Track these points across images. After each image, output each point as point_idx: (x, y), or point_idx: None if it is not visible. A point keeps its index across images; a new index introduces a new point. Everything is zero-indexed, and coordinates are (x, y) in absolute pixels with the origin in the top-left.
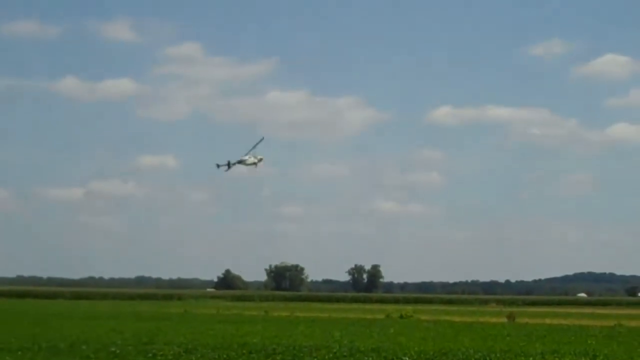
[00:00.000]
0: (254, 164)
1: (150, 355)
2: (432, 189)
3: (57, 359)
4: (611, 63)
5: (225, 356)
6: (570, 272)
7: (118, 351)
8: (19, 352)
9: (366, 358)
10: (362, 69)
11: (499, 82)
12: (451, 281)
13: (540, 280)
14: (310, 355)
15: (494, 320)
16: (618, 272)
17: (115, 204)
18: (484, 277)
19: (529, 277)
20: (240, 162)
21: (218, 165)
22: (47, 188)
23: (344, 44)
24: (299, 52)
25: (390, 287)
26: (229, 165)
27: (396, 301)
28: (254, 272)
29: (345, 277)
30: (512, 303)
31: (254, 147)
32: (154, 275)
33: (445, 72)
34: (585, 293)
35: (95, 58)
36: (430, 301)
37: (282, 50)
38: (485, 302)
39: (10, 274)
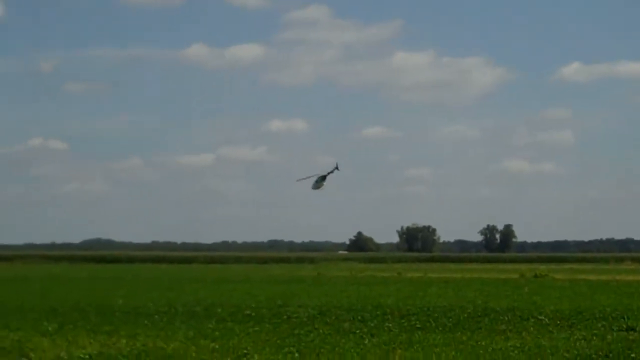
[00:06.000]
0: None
1: (284, 317)
2: (563, 146)
3: (194, 322)
4: None
5: (359, 317)
6: None
7: (253, 314)
8: (156, 316)
9: (501, 318)
10: (488, 28)
11: (631, 35)
12: (585, 239)
13: None
14: (444, 315)
15: (630, 278)
16: None
17: (246, 168)
18: (619, 235)
19: None
20: (321, 180)
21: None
22: (179, 155)
23: (470, 3)
24: (425, 12)
25: (523, 246)
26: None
27: (529, 261)
28: (385, 234)
29: (477, 238)
30: None
31: (329, 173)
32: (286, 239)
33: (574, 27)
34: None
35: (223, 24)
36: (564, 260)
37: (408, 11)
38: (621, 260)
39: (146, 239)
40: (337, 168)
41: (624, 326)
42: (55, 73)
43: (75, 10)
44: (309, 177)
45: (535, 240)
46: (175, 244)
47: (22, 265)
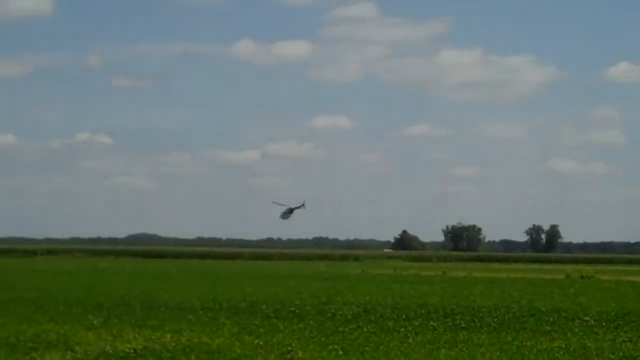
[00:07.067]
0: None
1: (329, 314)
2: (611, 147)
3: (238, 318)
4: None
5: (404, 316)
6: None
7: (297, 311)
8: (201, 312)
9: (546, 318)
10: (537, 26)
11: None
12: (632, 241)
13: None
14: (489, 315)
15: None
16: None
17: (292, 165)
18: None
19: None
20: (289, 212)
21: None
22: (225, 151)
23: (519, 1)
24: (472, 10)
25: (569, 247)
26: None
27: (575, 261)
28: (430, 233)
29: (523, 238)
30: None
31: (297, 208)
32: (331, 236)
33: (623, 27)
34: None
35: (270, 20)
36: (610, 261)
37: (456, 9)
38: None
39: (191, 235)
40: (303, 206)
41: None
42: (104, 68)
43: (123, 6)
44: (283, 204)
45: (581, 241)
46: (220, 240)
47: (68, 259)
